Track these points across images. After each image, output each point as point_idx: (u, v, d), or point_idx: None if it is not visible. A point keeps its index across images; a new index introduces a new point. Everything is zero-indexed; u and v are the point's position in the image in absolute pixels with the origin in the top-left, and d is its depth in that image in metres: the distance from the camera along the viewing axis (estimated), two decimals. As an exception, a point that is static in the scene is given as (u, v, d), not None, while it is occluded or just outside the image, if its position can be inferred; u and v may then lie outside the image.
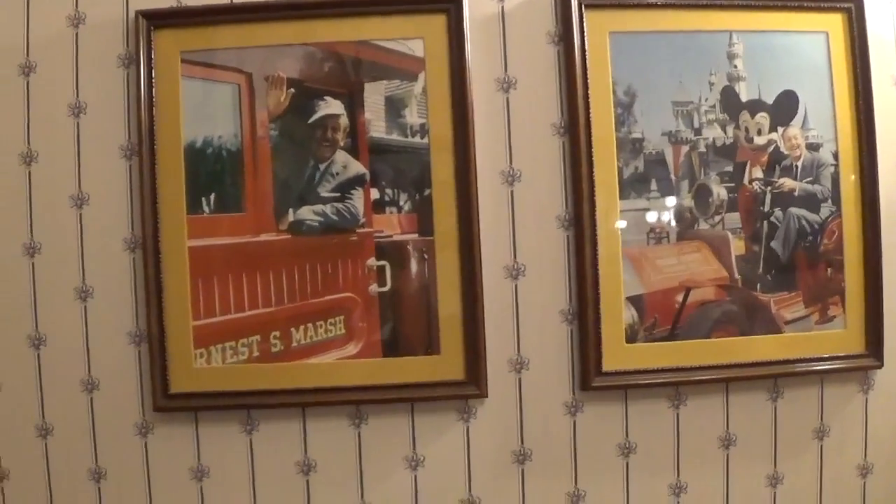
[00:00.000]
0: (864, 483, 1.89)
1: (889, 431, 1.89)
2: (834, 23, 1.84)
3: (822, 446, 1.87)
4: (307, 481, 1.77)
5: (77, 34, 1.78)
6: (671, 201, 1.79)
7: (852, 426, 1.88)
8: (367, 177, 1.74)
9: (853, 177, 1.83)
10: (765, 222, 1.82)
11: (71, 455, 1.77)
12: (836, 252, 1.84)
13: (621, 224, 1.77)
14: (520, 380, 1.78)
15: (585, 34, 1.76)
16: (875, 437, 1.88)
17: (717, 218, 1.80)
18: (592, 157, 1.75)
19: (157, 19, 1.75)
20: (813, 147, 1.84)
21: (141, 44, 1.73)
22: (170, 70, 1.74)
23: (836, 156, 1.84)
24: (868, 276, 1.83)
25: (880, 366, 1.84)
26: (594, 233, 1.75)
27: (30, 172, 1.76)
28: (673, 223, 1.79)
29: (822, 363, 1.82)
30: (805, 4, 1.83)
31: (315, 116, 1.74)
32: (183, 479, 1.77)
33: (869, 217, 1.83)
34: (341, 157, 1.75)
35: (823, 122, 1.83)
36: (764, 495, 1.85)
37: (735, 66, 1.81)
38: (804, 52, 1.83)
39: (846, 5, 1.84)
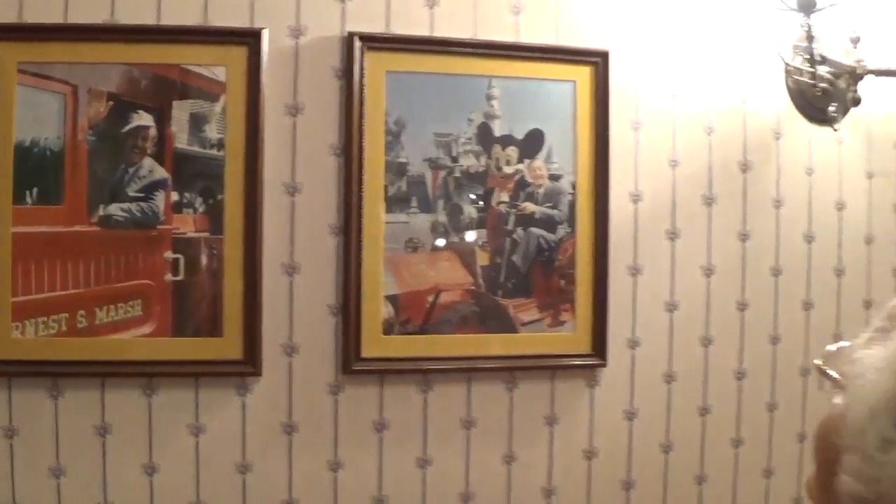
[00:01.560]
0: (589, 465, 2.22)
1: (611, 422, 2.23)
2: (582, 74, 2.18)
3: (552, 432, 2.19)
4: (103, 442, 2.03)
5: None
6: (428, 217, 2.11)
7: (579, 416, 2.20)
8: (169, 181, 2.01)
9: (588, 204, 2.17)
10: (507, 239, 2.15)
11: None
12: (568, 266, 2.17)
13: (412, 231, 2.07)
14: (291, 362, 2.07)
15: (365, 71, 2.06)
16: (599, 427, 2.22)
17: (467, 233, 2.13)
18: (363, 176, 2.05)
19: (-2, 32, 2.00)
20: (554, 178, 2.17)
21: (-19, 54, 1.98)
22: (7, 78, 1.98)
23: (574, 186, 2.17)
24: (595, 288, 2.16)
25: (604, 365, 2.18)
26: (360, 240, 2.04)
27: None
28: (429, 235, 2.11)
29: (552, 360, 2.15)
30: (557, 57, 2.16)
31: (128, 127, 2.00)
32: (-5, 437, 2.02)
33: (599, 238, 2.16)
34: (148, 163, 2.02)
35: (565, 157, 2.16)
36: (500, 471, 2.16)
37: (492, 106, 2.13)
38: (553, 96, 2.16)
39: (594, 59, 2.17)
